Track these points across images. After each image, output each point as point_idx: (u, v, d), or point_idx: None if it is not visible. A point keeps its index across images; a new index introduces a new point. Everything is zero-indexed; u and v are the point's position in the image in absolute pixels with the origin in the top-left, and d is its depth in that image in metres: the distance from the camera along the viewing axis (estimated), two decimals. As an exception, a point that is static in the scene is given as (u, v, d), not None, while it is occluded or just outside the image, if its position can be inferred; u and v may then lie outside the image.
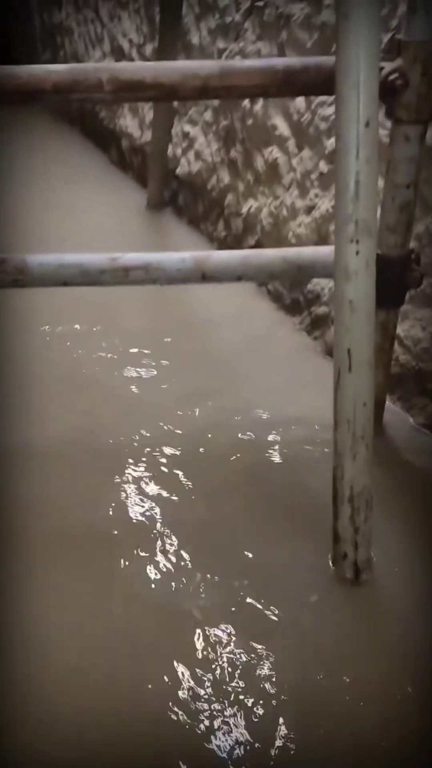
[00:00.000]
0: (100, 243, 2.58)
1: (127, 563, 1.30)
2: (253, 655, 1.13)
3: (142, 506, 1.44)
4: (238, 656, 1.13)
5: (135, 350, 1.97)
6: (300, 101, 1.87)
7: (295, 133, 1.93)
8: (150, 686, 1.09)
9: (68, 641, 1.16)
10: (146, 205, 2.77)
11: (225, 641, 1.16)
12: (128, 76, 1.25)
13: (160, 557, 1.32)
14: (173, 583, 1.26)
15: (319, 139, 1.82)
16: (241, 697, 1.07)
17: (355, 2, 1.07)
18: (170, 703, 1.06)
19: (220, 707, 1.06)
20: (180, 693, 1.08)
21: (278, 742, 1.01)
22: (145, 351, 1.97)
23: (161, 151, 2.58)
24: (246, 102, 2.12)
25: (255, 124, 2.10)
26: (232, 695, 1.07)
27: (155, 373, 1.88)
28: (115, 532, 1.37)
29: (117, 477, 1.51)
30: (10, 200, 2.93)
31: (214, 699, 1.07)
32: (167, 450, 1.60)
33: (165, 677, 1.10)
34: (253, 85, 1.28)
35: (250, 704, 1.06)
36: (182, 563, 1.30)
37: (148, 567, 1.30)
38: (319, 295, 1.90)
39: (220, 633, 1.17)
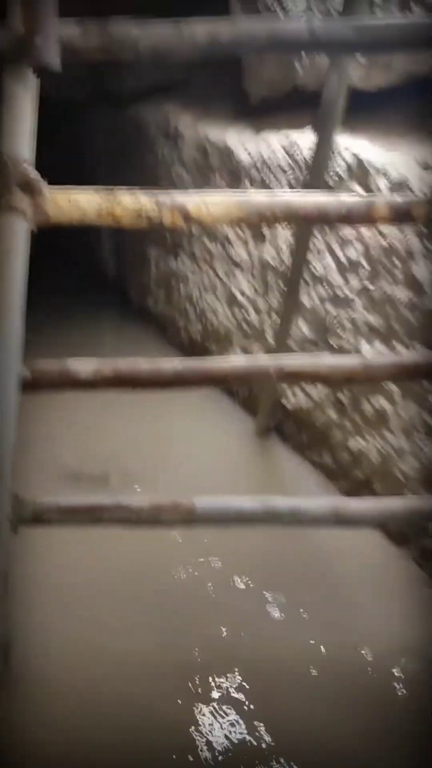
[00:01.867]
0: (214, 464, 2.92)
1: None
2: None
3: (245, 729, 1.58)
4: None
5: (241, 574, 2.17)
6: (406, 365, 2.24)
7: (401, 386, 2.28)
8: None
9: None
10: (253, 431, 3.13)
11: None
12: (291, 368, 1.62)
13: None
14: None
15: (424, 396, 2.16)
16: None
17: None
18: None
19: None
20: None
21: None
22: (252, 574, 2.17)
23: (272, 386, 2.97)
24: (354, 358, 2.52)
25: (363, 377, 2.48)
26: None
27: (265, 595, 2.07)
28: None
29: (214, 695, 1.67)
30: (124, 426, 3.23)
31: None
32: (276, 673, 1.76)
33: None
34: (387, 375, 1.63)
35: None
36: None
37: None
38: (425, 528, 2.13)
39: None
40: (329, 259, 2.66)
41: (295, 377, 1.63)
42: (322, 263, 2.71)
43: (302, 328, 2.85)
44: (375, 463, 2.42)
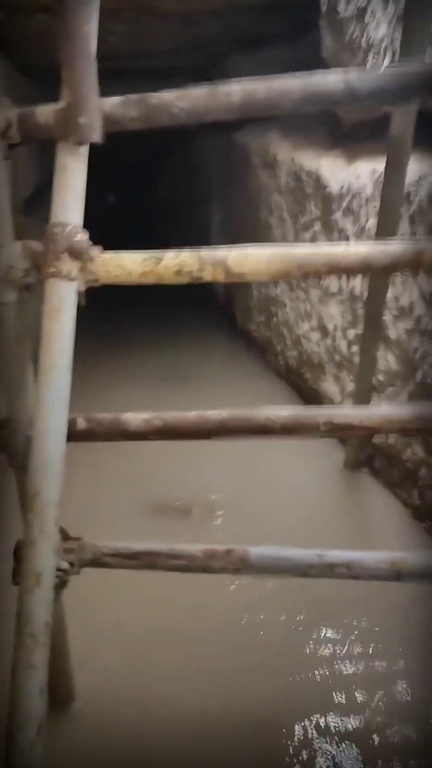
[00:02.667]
0: (301, 497, 2.88)
1: None
2: None
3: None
4: None
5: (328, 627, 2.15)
6: None
7: None
8: None
9: None
10: (343, 464, 3.06)
11: None
12: (340, 420, 1.58)
13: None
14: None
15: None
16: None
17: None
18: None
19: None
20: None
21: None
22: (341, 629, 2.14)
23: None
24: (439, 395, 2.41)
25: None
26: None
27: (360, 651, 2.04)
28: None
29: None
30: (212, 459, 3.14)
31: None
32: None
33: None
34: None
35: None
36: None
37: None
38: None
39: None
40: (414, 289, 2.56)
41: (346, 429, 1.58)
42: (407, 293, 2.62)
43: (390, 361, 2.76)
44: (459, 506, 2.30)
